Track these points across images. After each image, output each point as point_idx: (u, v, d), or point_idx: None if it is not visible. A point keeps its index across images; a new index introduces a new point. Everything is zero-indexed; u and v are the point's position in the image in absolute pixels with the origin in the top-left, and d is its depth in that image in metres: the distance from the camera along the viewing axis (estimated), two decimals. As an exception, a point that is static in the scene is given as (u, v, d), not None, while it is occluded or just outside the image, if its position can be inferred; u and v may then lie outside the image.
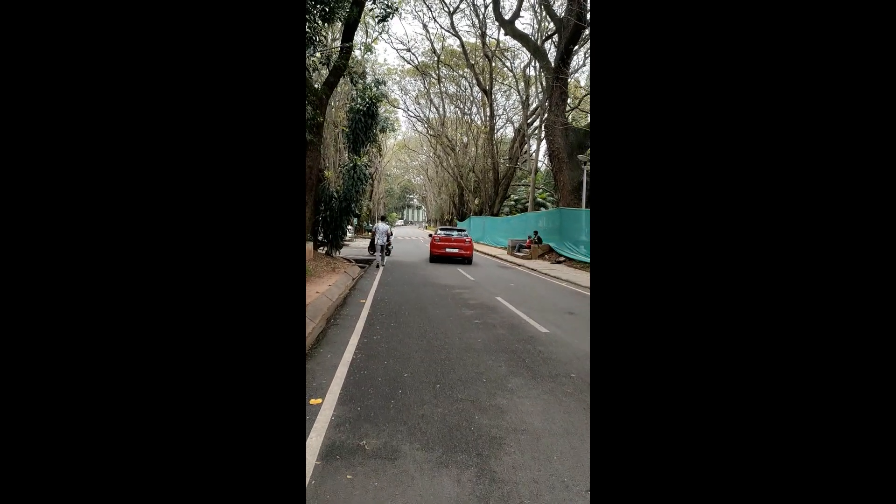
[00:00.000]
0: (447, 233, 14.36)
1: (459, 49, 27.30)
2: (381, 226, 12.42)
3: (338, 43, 11.92)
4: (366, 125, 13.77)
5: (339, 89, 22.23)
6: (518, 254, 16.69)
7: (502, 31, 21.62)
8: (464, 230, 15.40)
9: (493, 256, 17.09)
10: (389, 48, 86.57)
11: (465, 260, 13.51)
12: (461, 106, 33.53)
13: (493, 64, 25.69)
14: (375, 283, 8.68)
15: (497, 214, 28.31)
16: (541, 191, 32.08)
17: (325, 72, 11.64)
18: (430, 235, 15.10)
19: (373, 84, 13.82)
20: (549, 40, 19.40)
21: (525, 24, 20.15)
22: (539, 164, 35.32)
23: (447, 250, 13.49)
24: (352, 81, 11.60)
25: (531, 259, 15.32)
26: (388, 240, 11.87)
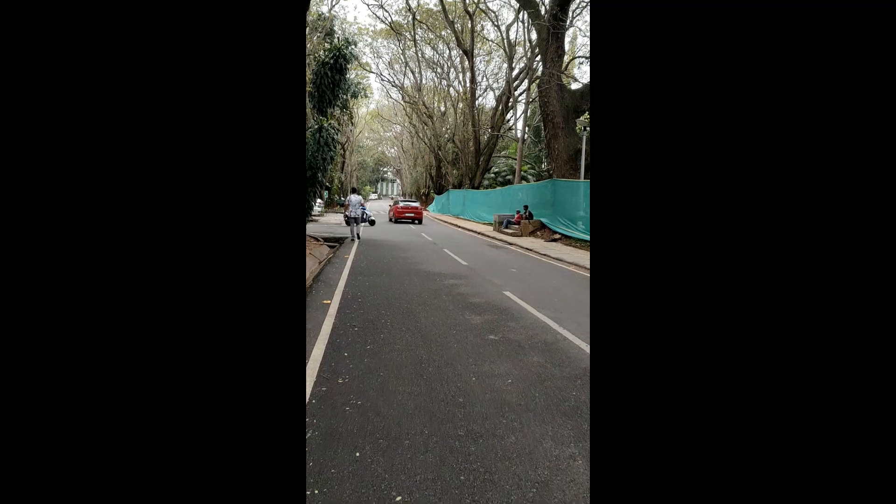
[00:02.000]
0: (405, 203, 21.15)
1: (436, 8, 25.00)
2: (354, 198, 11.93)
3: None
4: (333, 81, 11.74)
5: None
6: (506, 230, 15.14)
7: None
8: (415, 201, 23.24)
9: (479, 234, 15.47)
10: (360, 4, 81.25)
11: (417, 220, 20.06)
12: (439, 71, 31.13)
13: (475, 25, 23.36)
14: (346, 270, 6.90)
15: (478, 187, 26.54)
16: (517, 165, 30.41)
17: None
18: (390, 206, 22.23)
19: (342, 41, 11.81)
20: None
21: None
22: (519, 134, 33.69)
23: (405, 214, 20.03)
24: None
25: (522, 237, 13.80)
26: (363, 213, 12.17)
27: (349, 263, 7.65)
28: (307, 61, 15.14)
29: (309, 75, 12.02)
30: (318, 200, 19.47)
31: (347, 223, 12.04)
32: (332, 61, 11.50)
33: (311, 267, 8.14)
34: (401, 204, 20.86)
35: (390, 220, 20.82)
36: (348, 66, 11.93)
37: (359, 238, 11.63)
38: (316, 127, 11.14)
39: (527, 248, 10.92)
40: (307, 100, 12.66)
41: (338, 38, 12.29)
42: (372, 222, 16.16)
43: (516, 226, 14.70)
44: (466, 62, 26.22)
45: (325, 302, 4.69)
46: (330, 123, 11.26)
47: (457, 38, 24.28)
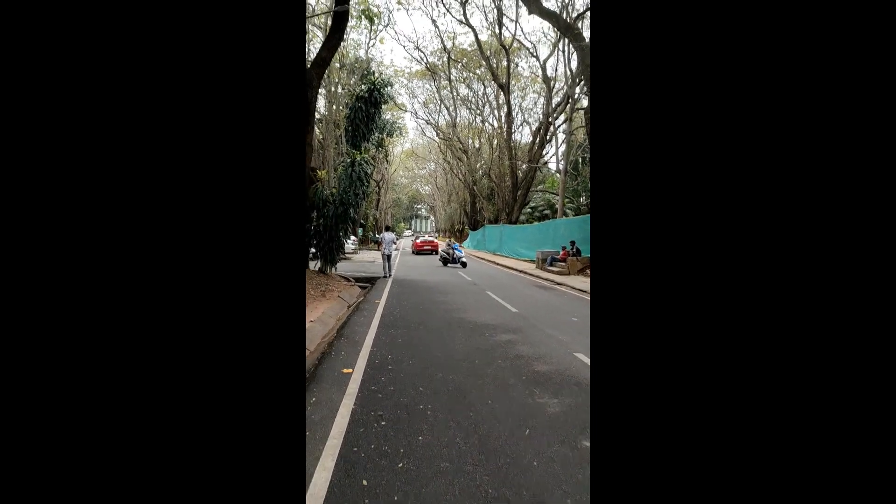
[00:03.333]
0: (423, 239, 26.56)
1: (470, 49, 25.29)
2: (387, 236, 11.95)
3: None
4: (367, 115, 11.21)
5: (340, 90, 19.87)
6: (551, 268, 13.80)
7: (520, 25, 18.91)
8: (433, 235, 28.69)
9: (521, 272, 14.20)
10: (396, 47, 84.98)
11: (434, 251, 23.95)
12: (473, 109, 31.07)
13: (510, 60, 23.07)
14: (376, 319, 5.83)
15: (515, 222, 25.40)
16: (559, 197, 29.18)
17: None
18: (413, 241, 28.01)
19: (377, 78, 11.45)
20: (581, 19, 16.75)
21: (549, 3, 17.32)
22: (562, 166, 32.73)
23: (424, 248, 24.47)
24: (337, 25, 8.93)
25: (570, 275, 12.43)
26: (454, 253, 12.92)
27: (380, 309, 6.60)
28: (346, 101, 14.97)
29: (345, 112, 11.62)
30: (352, 238, 18.90)
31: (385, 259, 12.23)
32: (367, 95, 11.04)
33: (339, 313, 7.13)
34: (419, 240, 26.93)
35: (413, 252, 25.21)
36: (383, 101, 11.49)
37: (390, 276, 11.50)
38: (349, 161, 10.53)
39: (580, 290, 9.56)
40: (345, 142, 12.26)
41: (374, 73, 11.92)
42: (464, 264, 15.38)
43: (562, 263, 13.36)
44: (502, 97, 25.90)
45: (345, 371, 3.58)
46: (363, 157, 10.62)
47: (493, 74, 24.02)
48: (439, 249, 17.36)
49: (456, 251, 16.25)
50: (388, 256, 11.78)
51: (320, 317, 6.15)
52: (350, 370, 3.60)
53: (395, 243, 12.70)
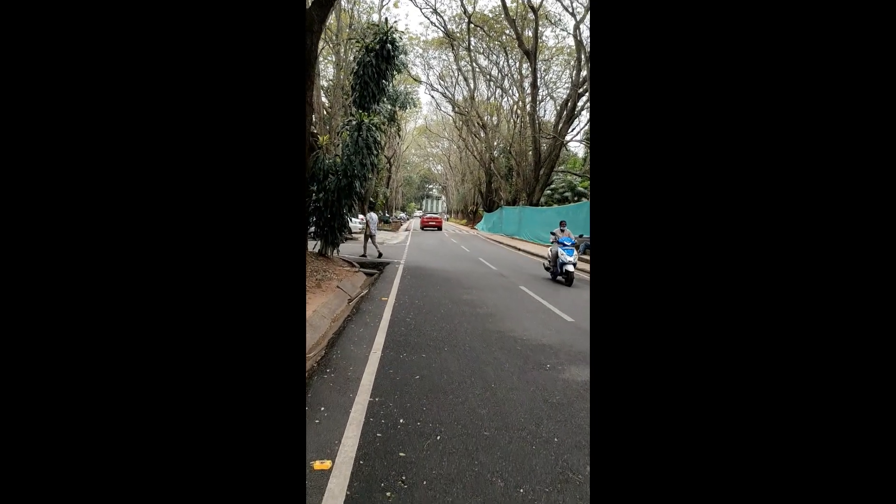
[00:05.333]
0: (430, 216, 30.54)
1: (492, 15, 23.07)
2: (374, 216, 11.60)
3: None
4: (378, 70, 9.34)
5: (351, 56, 17.87)
6: (584, 257, 12.04)
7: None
8: (437, 215, 34.86)
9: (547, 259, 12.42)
10: (411, 11, 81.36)
11: (438, 227, 28.31)
12: (494, 81, 28.81)
13: (538, 23, 20.72)
14: (380, 335, 4.14)
15: (537, 204, 23.45)
16: (580, 179, 27.13)
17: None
18: (420, 217, 31.78)
19: (391, 30, 9.55)
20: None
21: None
22: (576, 149, 30.64)
23: (430, 223, 28.38)
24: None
25: (610, 266, 10.64)
26: (556, 259, 9.10)
27: (388, 313, 4.93)
28: (354, 55, 13.16)
29: (355, 68, 9.78)
30: (360, 216, 17.14)
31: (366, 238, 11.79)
32: (378, 47, 9.14)
33: (336, 311, 5.44)
34: (426, 216, 29.36)
35: (421, 228, 28.00)
36: (396, 69, 9.62)
37: (380, 256, 10.74)
38: (355, 124, 8.74)
39: (632, 287, 7.79)
40: (351, 103, 10.51)
41: (386, 22, 9.96)
42: (569, 279, 8.00)
43: (598, 252, 11.56)
44: (525, 67, 23.66)
45: (318, 467, 1.89)
46: (372, 121, 8.80)
47: (518, 38, 21.72)
48: (552, 253, 8.61)
49: (565, 252, 8.15)
50: (373, 236, 11.41)
51: (310, 318, 4.51)
52: (327, 464, 1.91)
53: (378, 224, 12.96)
